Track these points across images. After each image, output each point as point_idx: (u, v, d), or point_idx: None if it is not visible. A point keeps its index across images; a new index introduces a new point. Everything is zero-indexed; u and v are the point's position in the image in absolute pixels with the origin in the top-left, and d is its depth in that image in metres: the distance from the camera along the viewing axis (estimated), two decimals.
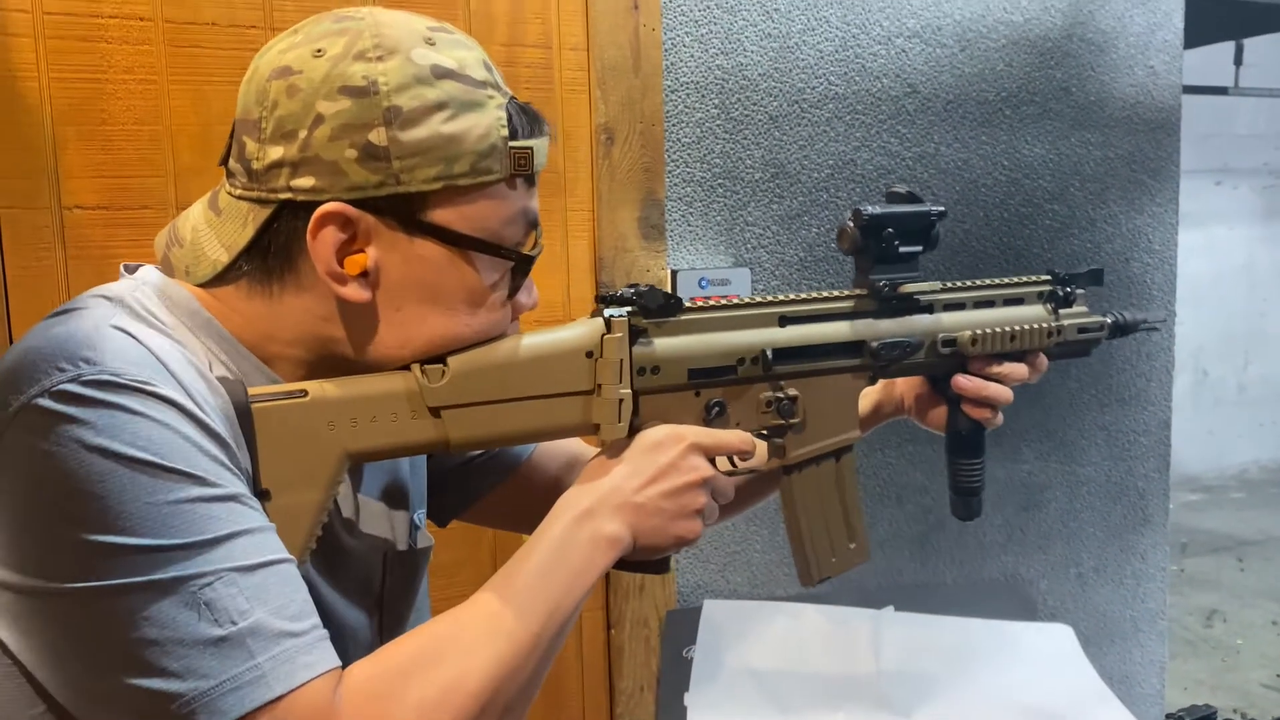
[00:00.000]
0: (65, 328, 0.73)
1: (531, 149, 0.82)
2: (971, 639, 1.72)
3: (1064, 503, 2.18)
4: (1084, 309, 1.12)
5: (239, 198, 0.80)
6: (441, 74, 0.79)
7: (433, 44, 0.80)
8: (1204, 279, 6.05)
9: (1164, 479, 2.29)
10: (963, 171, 2.00)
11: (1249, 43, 4.51)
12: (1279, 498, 5.93)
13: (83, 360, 0.69)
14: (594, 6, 1.68)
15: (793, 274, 1.87)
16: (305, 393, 0.80)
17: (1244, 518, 5.56)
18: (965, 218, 2.02)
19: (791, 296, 0.98)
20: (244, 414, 0.77)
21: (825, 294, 0.99)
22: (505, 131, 0.81)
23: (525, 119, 0.83)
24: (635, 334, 0.90)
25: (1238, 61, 4.55)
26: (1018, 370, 1.06)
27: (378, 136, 0.77)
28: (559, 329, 0.88)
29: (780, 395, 0.96)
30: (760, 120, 1.82)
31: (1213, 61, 4.68)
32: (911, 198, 1.00)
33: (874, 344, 0.99)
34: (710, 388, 0.93)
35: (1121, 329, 1.14)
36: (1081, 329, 1.11)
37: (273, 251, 0.80)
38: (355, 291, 0.80)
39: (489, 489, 1.11)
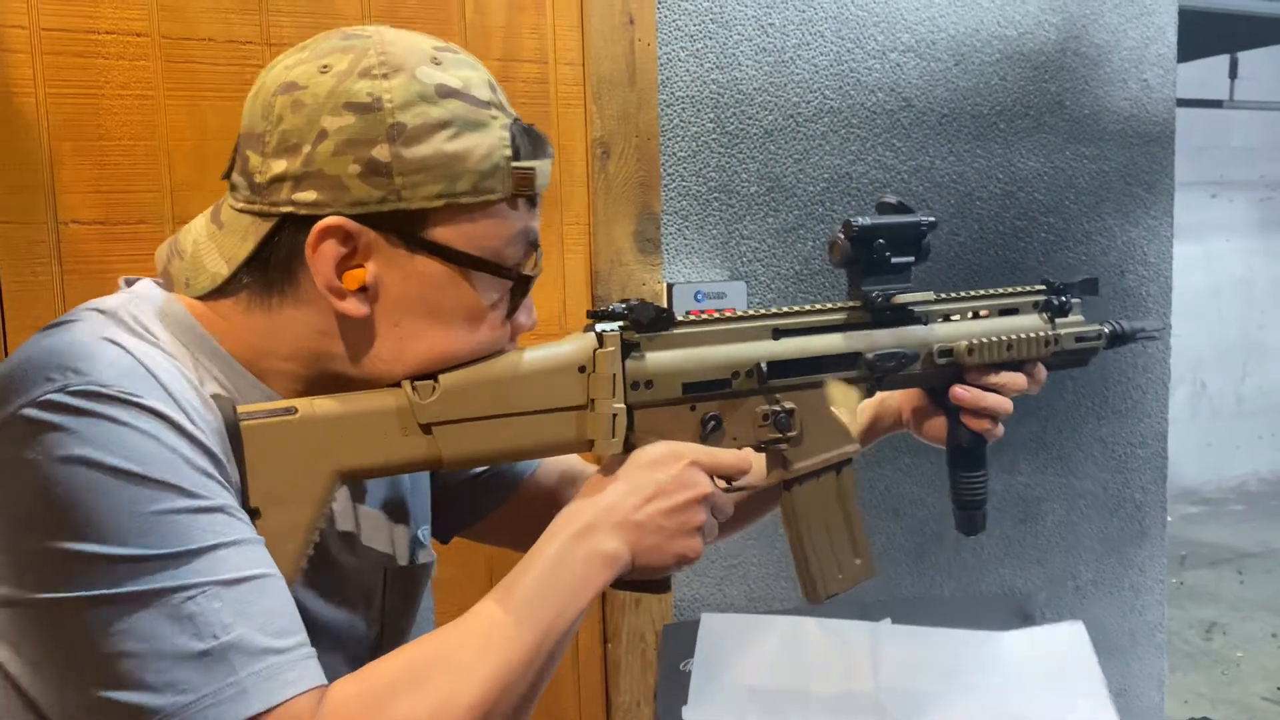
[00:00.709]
0: (57, 339, 0.73)
1: (534, 170, 0.82)
2: (970, 649, 1.71)
3: (1061, 515, 2.18)
4: (1080, 318, 1.12)
5: (241, 211, 0.81)
6: (446, 93, 0.79)
7: (438, 63, 0.80)
8: (1202, 291, 6.06)
9: (1161, 491, 2.29)
10: (957, 185, 2.01)
11: (1244, 56, 4.53)
12: (1278, 510, 5.92)
13: (71, 371, 0.69)
14: (589, 21, 1.69)
15: (788, 287, 1.88)
16: (295, 410, 0.79)
17: (1243, 530, 5.55)
18: (960, 231, 2.02)
19: (785, 310, 0.97)
20: (233, 431, 0.77)
21: (819, 306, 0.99)
22: (508, 151, 0.81)
23: (529, 140, 0.83)
24: (628, 348, 0.89)
25: (1233, 75, 4.57)
26: (1016, 380, 1.06)
27: (381, 152, 0.77)
28: (551, 345, 0.88)
29: (777, 408, 0.95)
30: (755, 134, 1.83)
31: (1208, 75, 4.70)
32: (902, 208, 1.00)
33: (869, 355, 0.99)
34: (705, 401, 0.93)
35: (1120, 338, 1.14)
36: (1079, 338, 1.10)
37: (273, 265, 0.80)
38: (354, 306, 0.80)
39: (492, 507, 1.10)
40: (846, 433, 1.00)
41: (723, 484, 0.93)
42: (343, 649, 0.88)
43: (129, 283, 0.85)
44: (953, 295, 1.06)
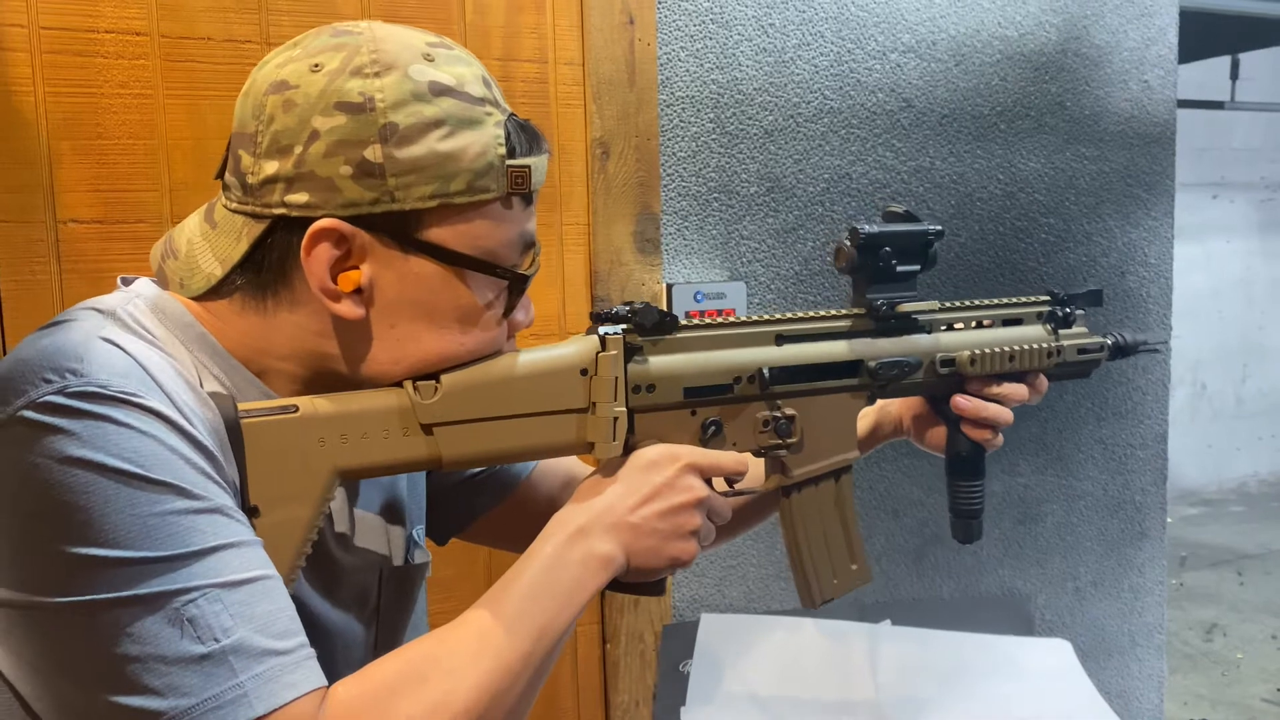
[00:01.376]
0: (54, 339, 0.72)
1: (529, 168, 0.82)
2: (968, 654, 1.71)
3: (1061, 516, 2.17)
4: (1083, 330, 1.12)
5: (234, 211, 0.80)
6: (439, 91, 0.78)
7: (431, 60, 0.79)
8: (1202, 292, 6.06)
9: (1161, 492, 2.28)
10: (958, 185, 2.01)
11: (1245, 57, 4.52)
12: (1278, 511, 5.92)
13: (69, 372, 0.69)
14: (589, 21, 1.68)
15: (788, 287, 1.87)
16: (296, 408, 0.79)
17: (1243, 531, 5.55)
18: (960, 231, 2.02)
19: (789, 315, 0.97)
20: (233, 429, 0.77)
21: (823, 313, 0.99)
22: (503, 150, 0.80)
23: (524, 136, 0.83)
24: (630, 351, 0.89)
25: (1234, 76, 4.57)
26: (1017, 391, 1.05)
27: (373, 153, 0.76)
28: (553, 346, 0.88)
29: (778, 415, 0.95)
30: (755, 134, 1.83)
31: (1210, 76, 4.70)
32: (909, 217, 0.99)
33: (872, 363, 0.98)
34: (706, 406, 0.92)
35: (1122, 350, 1.13)
36: (1081, 350, 1.10)
37: (266, 266, 0.79)
38: (349, 308, 0.79)
39: (487, 508, 1.10)
40: (846, 439, 1.00)
41: (722, 486, 0.93)
42: (340, 648, 0.88)
43: (126, 282, 0.85)
44: (957, 304, 1.06)
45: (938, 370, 1.02)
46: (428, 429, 0.82)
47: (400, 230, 0.79)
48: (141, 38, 1.43)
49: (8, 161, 1.38)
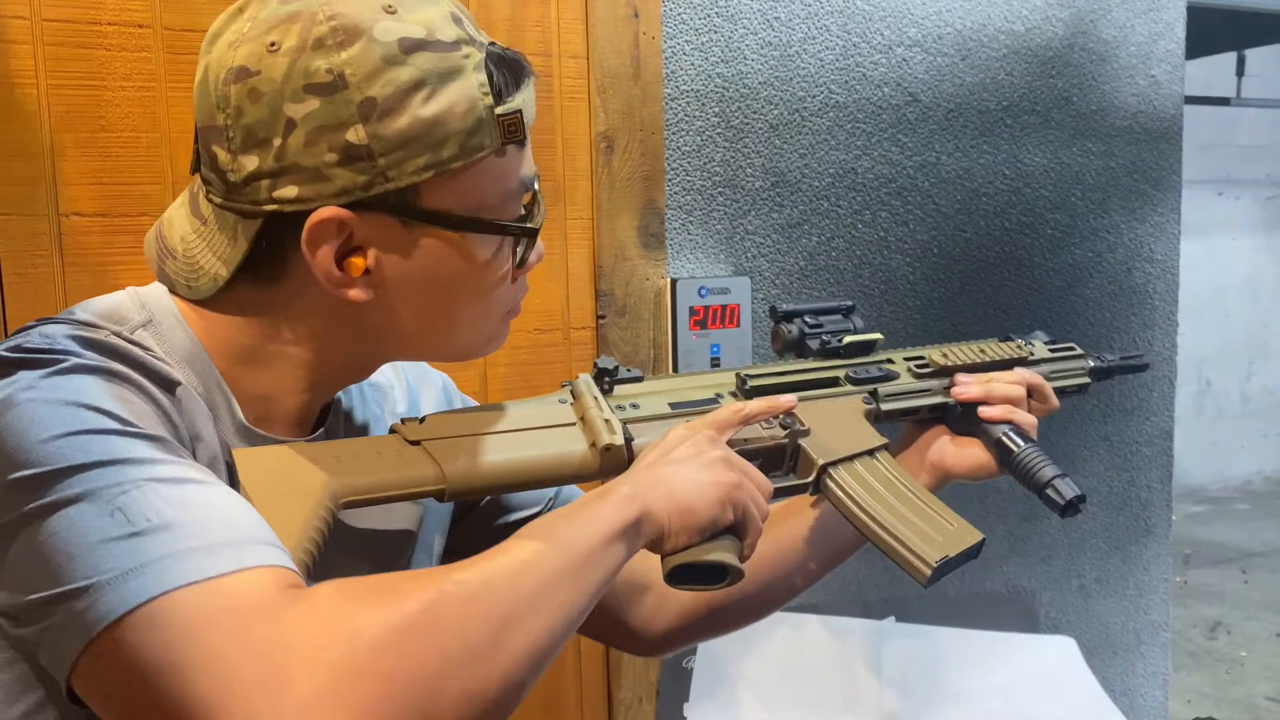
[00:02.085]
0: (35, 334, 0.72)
1: (519, 111, 0.78)
2: (972, 651, 1.71)
3: None
4: (1082, 363, 1.13)
5: (222, 207, 0.77)
6: (410, 47, 0.73)
7: (393, 11, 0.74)
8: (1207, 289, 6.04)
9: (1166, 490, 2.28)
10: (964, 180, 2.00)
11: (1251, 54, 4.51)
12: None
13: (30, 342, 0.69)
14: (594, 14, 1.68)
15: (793, 283, 1.87)
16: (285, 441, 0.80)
17: (1248, 529, 5.55)
18: (966, 227, 2.01)
19: (755, 368, 1.00)
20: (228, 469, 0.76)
21: (794, 366, 1.02)
22: (489, 99, 0.76)
23: (507, 72, 0.78)
24: (602, 388, 0.91)
25: (1240, 72, 4.56)
26: (1006, 376, 1.05)
27: (356, 135, 0.72)
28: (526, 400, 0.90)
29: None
30: (760, 129, 1.82)
31: (1216, 72, 4.68)
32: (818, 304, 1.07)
33: (848, 371, 1.02)
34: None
35: (1104, 373, 1.15)
36: (1062, 391, 1.10)
37: (268, 263, 0.77)
38: (359, 293, 0.77)
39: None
40: (861, 432, 0.99)
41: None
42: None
43: (137, 294, 0.81)
44: (920, 356, 1.07)
45: (914, 371, 1.05)
46: (416, 444, 0.81)
47: (399, 208, 0.75)
48: (144, 30, 1.43)
49: (10, 154, 1.38)
